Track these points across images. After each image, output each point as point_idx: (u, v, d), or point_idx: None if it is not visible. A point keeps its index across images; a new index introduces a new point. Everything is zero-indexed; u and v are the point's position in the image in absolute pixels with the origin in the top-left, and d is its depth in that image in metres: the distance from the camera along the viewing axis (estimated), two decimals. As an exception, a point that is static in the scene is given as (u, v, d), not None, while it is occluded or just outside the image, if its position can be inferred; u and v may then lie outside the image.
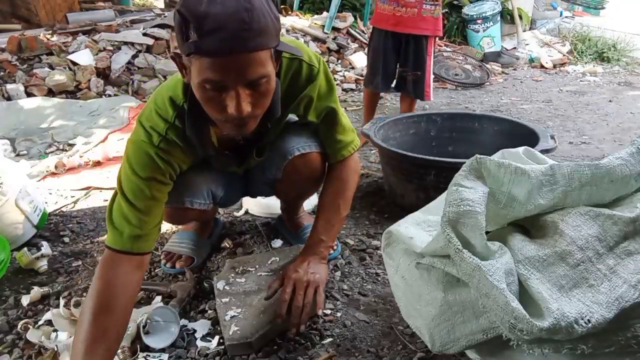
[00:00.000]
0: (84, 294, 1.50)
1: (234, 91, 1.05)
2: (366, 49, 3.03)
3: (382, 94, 3.66)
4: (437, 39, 2.83)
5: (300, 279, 1.32)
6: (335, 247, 1.72)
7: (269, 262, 1.52)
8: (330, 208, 1.48)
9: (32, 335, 1.31)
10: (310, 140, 1.46)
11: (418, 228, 1.15)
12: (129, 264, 1.19)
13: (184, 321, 1.38)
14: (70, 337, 1.27)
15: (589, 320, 0.83)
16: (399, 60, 2.80)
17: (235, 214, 2.04)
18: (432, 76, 2.84)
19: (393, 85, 2.92)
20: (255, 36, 1.00)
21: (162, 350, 1.28)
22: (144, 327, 1.29)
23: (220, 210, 2.00)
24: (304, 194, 1.72)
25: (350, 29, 5.32)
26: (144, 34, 4.43)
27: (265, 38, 1.02)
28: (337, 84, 4.49)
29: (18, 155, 2.81)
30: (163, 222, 1.33)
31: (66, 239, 1.90)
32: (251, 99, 1.08)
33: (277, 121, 1.34)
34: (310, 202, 2.08)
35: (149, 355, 1.26)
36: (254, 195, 1.77)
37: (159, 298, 1.47)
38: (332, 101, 1.41)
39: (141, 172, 1.23)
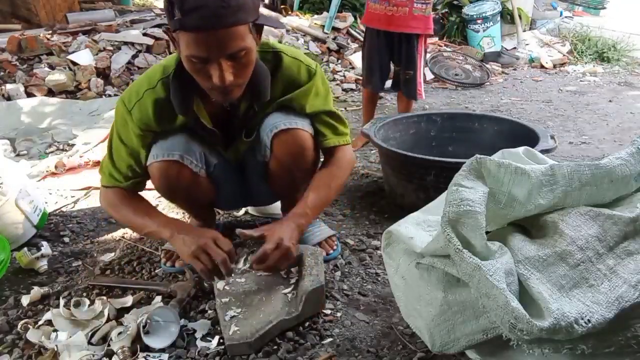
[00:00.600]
0: (84, 294, 1.50)
1: (216, 63, 1.18)
2: (351, 57, 3.08)
3: (382, 94, 3.67)
4: (427, 37, 2.84)
5: (282, 244, 1.33)
6: (335, 247, 1.72)
7: (269, 262, 1.51)
8: (324, 187, 1.50)
9: (32, 335, 1.31)
10: (298, 119, 1.47)
11: (418, 228, 1.15)
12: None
13: (184, 321, 1.38)
14: (71, 336, 1.27)
15: (589, 320, 0.83)
16: (392, 59, 2.82)
17: (235, 214, 2.04)
18: (422, 75, 2.86)
19: (389, 84, 2.95)
20: (234, 12, 1.13)
21: (162, 350, 1.28)
22: (144, 327, 1.29)
23: (220, 210, 2.00)
24: (297, 182, 1.67)
25: (350, 29, 5.32)
26: (144, 34, 4.43)
27: (243, 14, 1.15)
28: (337, 84, 4.49)
29: (18, 155, 2.81)
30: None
31: (66, 239, 1.90)
32: (233, 70, 1.21)
33: (266, 107, 1.44)
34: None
35: (149, 355, 1.26)
36: (253, 202, 1.78)
37: (159, 298, 1.47)
38: (328, 104, 1.51)
39: (122, 135, 1.44)
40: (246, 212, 2.05)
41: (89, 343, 1.29)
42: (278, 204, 1.88)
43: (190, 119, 1.42)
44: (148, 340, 1.27)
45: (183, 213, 2.03)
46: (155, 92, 1.39)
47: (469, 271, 0.88)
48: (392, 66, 2.86)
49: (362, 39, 3.00)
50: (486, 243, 0.92)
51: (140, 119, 1.40)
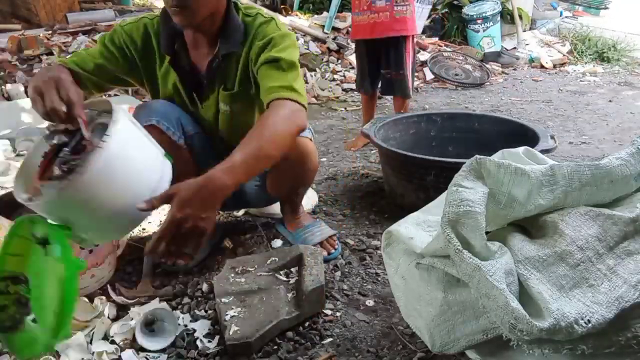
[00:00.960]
0: (84, 294, 1.50)
1: None
2: (351, 58, 3.18)
3: (382, 96, 3.69)
4: (414, 37, 2.88)
5: (186, 221, 1.01)
6: (335, 247, 1.72)
7: (269, 262, 1.52)
8: (255, 137, 1.18)
9: (32, 335, 1.31)
10: None
11: (418, 228, 1.15)
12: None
13: (184, 321, 1.38)
14: (72, 335, 1.27)
15: (589, 321, 0.83)
16: (380, 64, 2.87)
17: (235, 213, 2.05)
18: (412, 74, 2.91)
19: (379, 87, 3.02)
20: None
21: (162, 350, 1.28)
22: (144, 325, 1.29)
23: (220, 211, 2.00)
24: (296, 187, 1.69)
25: (350, 29, 5.32)
26: (144, 34, 4.43)
27: None
28: (337, 84, 4.49)
29: (18, 155, 2.81)
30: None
31: (66, 239, 1.90)
32: None
33: (234, 60, 1.48)
34: (310, 202, 2.08)
35: (149, 355, 1.26)
36: (248, 201, 1.79)
37: (157, 300, 1.47)
38: (282, 50, 1.38)
39: (104, 38, 1.51)
40: (246, 212, 2.05)
41: (90, 343, 1.29)
42: (278, 205, 1.88)
43: (170, 57, 1.49)
44: (146, 343, 1.28)
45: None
46: (153, 21, 1.51)
47: (469, 271, 0.88)
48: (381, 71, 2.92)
49: (354, 42, 3.08)
50: (486, 243, 0.92)
51: (129, 38, 1.50)
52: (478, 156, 0.99)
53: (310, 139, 1.55)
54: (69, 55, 1.55)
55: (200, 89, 1.55)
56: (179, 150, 1.51)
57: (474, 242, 0.91)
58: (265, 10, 1.59)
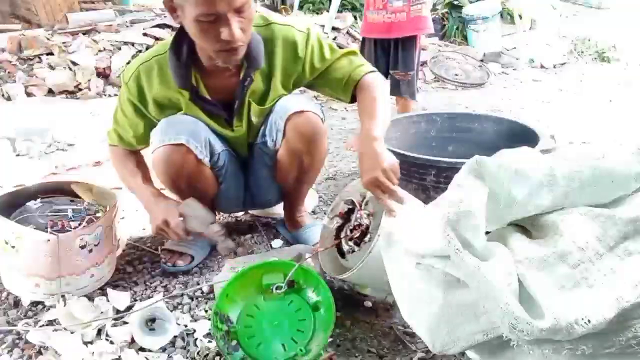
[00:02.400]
0: (84, 293, 1.50)
1: (225, 19, 1.25)
2: None
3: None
4: (421, 36, 2.89)
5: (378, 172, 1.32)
6: None
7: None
8: (372, 101, 1.45)
9: (32, 335, 1.31)
10: (309, 103, 1.53)
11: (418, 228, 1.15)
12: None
13: (184, 321, 1.38)
14: (72, 335, 1.27)
15: (589, 321, 0.83)
16: (388, 63, 2.84)
17: (235, 214, 2.04)
18: (418, 74, 2.92)
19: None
20: None
21: (162, 350, 1.28)
22: (144, 323, 1.30)
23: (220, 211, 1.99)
24: (305, 171, 1.67)
25: (350, 29, 5.31)
26: (144, 34, 4.43)
27: None
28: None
29: (18, 155, 2.81)
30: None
31: (66, 239, 1.90)
32: (240, 25, 1.28)
33: (270, 75, 1.51)
34: (311, 202, 2.08)
35: (149, 355, 1.26)
36: (254, 202, 1.79)
37: (159, 296, 1.47)
38: (334, 51, 1.56)
39: (123, 105, 1.59)
40: (246, 212, 2.05)
41: (89, 343, 1.29)
42: (280, 205, 1.88)
43: (189, 92, 1.47)
44: (145, 342, 1.27)
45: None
46: (147, 65, 1.50)
47: (469, 272, 0.88)
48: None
49: (361, 39, 3.03)
50: (486, 244, 0.92)
51: (137, 90, 1.51)
52: (478, 156, 0.99)
53: (322, 119, 1.55)
54: (116, 136, 1.65)
55: (229, 113, 1.54)
56: (202, 169, 1.54)
57: (474, 242, 0.91)
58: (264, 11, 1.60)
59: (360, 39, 3.06)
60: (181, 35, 1.42)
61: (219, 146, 1.57)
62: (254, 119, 1.55)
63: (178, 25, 1.40)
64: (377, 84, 1.51)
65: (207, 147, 1.52)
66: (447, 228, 0.92)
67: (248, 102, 1.52)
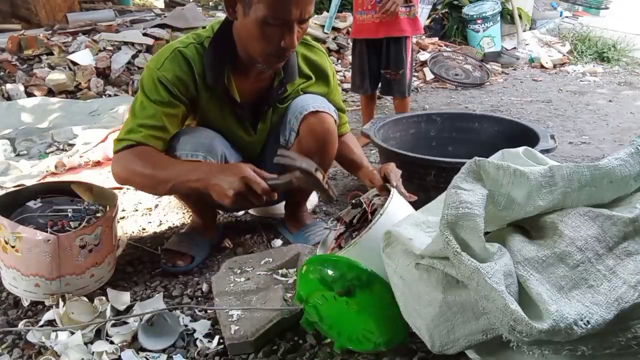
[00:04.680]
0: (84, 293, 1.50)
1: (292, 26, 1.26)
2: (351, 58, 3.18)
3: (382, 96, 3.69)
4: (413, 38, 2.92)
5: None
6: None
7: (267, 262, 1.52)
8: (358, 148, 1.72)
9: (32, 335, 1.31)
10: (325, 103, 1.55)
11: (417, 229, 1.15)
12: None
13: (184, 321, 1.38)
14: (72, 335, 1.27)
15: (588, 322, 0.83)
16: (380, 63, 2.87)
17: (235, 213, 2.04)
18: (411, 73, 2.94)
19: (379, 87, 3.03)
20: None
21: (162, 350, 1.28)
22: (147, 323, 1.30)
23: (221, 211, 1.99)
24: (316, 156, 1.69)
25: (350, 29, 5.32)
26: (144, 34, 4.43)
27: None
28: (337, 84, 4.49)
29: (18, 155, 2.81)
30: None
31: (66, 239, 1.90)
32: (298, 34, 1.30)
33: (291, 86, 1.53)
34: (311, 202, 2.08)
35: (149, 355, 1.26)
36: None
37: (159, 295, 1.47)
38: (338, 97, 1.69)
39: (150, 94, 1.39)
40: (246, 212, 2.05)
41: (90, 343, 1.29)
42: (280, 205, 1.88)
43: (218, 89, 1.44)
44: (146, 343, 1.28)
45: (182, 209, 2.03)
46: (187, 50, 1.41)
47: (468, 274, 0.88)
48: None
49: (352, 41, 3.06)
50: (485, 245, 0.92)
51: (173, 75, 1.38)
52: (477, 158, 0.99)
53: (336, 121, 1.58)
54: (130, 134, 1.40)
55: (254, 116, 1.55)
56: None
57: (472, 244, 0.91)
58: None
59: (351, 42, 3.10)
60: (225, 30, 1.40)
61: (234, 158, 1.57)
62: (274, 119, 1.57)
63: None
64: (355, 141, 1.78)
65: (222, 161, 1.51)
66: (445, 230, 0.92)
67: (274, 106, 1.54)
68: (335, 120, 1.55)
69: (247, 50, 1.38)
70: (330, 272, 1.11)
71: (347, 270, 1.10)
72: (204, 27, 1.52)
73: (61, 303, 1.39)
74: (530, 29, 6.56)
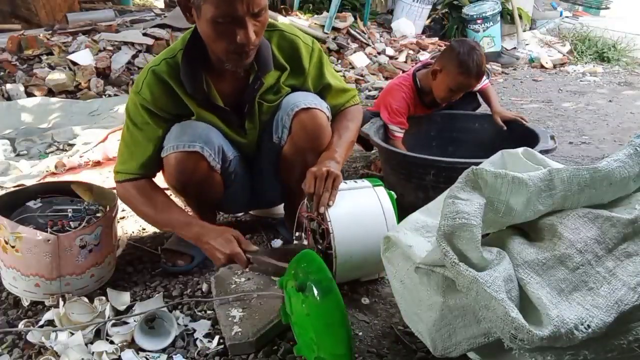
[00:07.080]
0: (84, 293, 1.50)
1: (242, 21, 1.26)
2: (365, 49, 3.12)
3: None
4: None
5: (320, 170, 1.41)
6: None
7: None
8: (341, 128, 1.59)
9: (32, 335, 1.31)
10: (316, 99, 1.54)
11: (417, 234, 1.14)
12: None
13: (184, 321, 1.38)
14: (72, 335, 1.27)
15: (588, 326, 0.83)
16: None
17: (236, 213, 2.04)
18: None
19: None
20: None
21: (162, 350, 1.28)
22: (145, 322, 1.30)
23: (226, 213, 1.99)
24: (309, 154, 1.68)
25: (350, 29, 5.31)
26: (144, 34, 4.43)
27: None
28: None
29: (18, 155, 2.81)
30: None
31: (66, 239, 1.90)
32: (254, 28, 1.29)
33: (273, 83, 1.52)
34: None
35: (149, 355, 1.26)
36: (258, 202, 1.80)
37: (159, 295, 1.47)
38: (328, 76, 1.61)
39: (135, 119, 1.47)
40: (246, 212, 2.05)
41: (90, 343, 1.29)
42: (280, 205, 1.88)
43: (200, 98, 1.46)
44: (144, 343, 1.27)
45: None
46: (160, 67, 1.44)
47: (467, 284, 0.88)
48: None
49: (362, 39, 3.03)
50: (482, 254, 0.92)
51: (152, 96, 1.44)
52: (474, 167, 0.98)
53: (328, 117, 1.56)
54: (126, 167, 1.50)
55: (240, 116, 1.54)
56: (213, 175, 1.52)
57: (470, 254, 0.91)
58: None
59: (363, 32, 3.05)
60: (194, 38, 1.41)
61: (231, 153, 1.57)
62: (264, 117, 1.56)
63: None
64: (357, 114, 1.67)
65: (219, 154, 1.51)
66: (442, 241, 0.92)
67: (258, 103, 1.53)
68: (327, 117, 1.55)
69: (212, 51, 1.39)
70: (303, 265, 1.15)
71: (315, 270, 1.13)
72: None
73: (61, 303, 1.39)
74: (530, 29, 6.56)
